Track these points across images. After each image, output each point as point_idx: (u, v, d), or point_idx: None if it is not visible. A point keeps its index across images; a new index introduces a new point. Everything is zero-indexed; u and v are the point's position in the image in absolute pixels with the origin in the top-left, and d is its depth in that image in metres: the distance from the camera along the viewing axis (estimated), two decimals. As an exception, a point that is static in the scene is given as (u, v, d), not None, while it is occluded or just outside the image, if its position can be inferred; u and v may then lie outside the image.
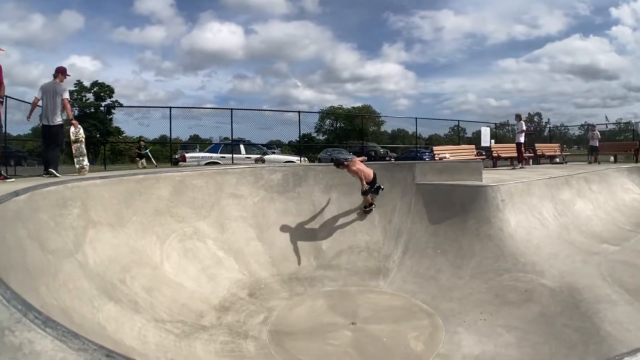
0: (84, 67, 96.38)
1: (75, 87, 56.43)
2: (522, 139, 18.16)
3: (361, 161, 10.38)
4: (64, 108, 9.83)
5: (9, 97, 9.15)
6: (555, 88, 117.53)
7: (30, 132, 21.31)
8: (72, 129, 10.03)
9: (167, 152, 23.08)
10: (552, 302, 6.53)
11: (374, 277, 8.78)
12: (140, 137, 15.59)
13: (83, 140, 10.27)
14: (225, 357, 5.90)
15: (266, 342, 6.43)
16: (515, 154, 21.13)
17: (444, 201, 9.74)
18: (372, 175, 10.02)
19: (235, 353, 6.09)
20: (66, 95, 9.88)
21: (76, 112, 11.10)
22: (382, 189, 10.20)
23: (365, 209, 10.37)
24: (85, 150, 10.17)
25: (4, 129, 9.35)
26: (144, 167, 15.07)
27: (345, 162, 10.18)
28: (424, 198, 10.18)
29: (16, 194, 5.67)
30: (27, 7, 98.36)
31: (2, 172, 8.98)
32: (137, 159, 16.69)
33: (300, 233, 9.97)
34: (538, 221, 9.17)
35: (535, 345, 5.72)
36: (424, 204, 10.09)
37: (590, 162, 19.76)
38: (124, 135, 34.31)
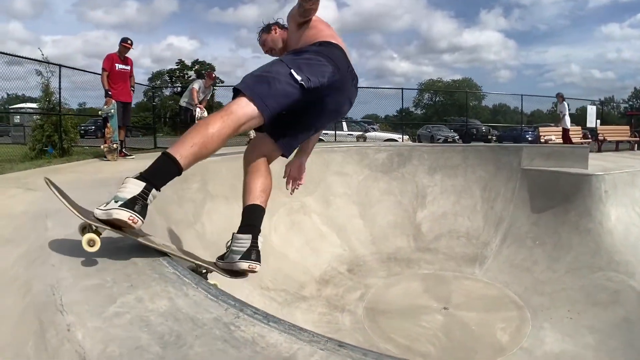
0: (182, 46, 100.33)
1: (178, 65, 59.00)
2: (568, 124, 16.86)
3: None
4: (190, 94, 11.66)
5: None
6: None
7: (134, 107, 22.95)
8: (197, 110, 11.14)
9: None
10: (637, 307, 6.45)
11: (471, 263, 8.93)
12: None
13: None
14: (322, 327, 6.40)
15: (361, 317, 6.89)
16: (624, 138, 19.85)
17: (548, 189, 9.44)
18: None
19: (331, 325, 6.60)
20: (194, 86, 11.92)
21: (179, 89, 12.29)
22: None
23: None
24: None
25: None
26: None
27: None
28: (529, 185, 9.90)
29: None
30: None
31: (124, 149, 9.99)
32: None
33: (401, 214, 10.18)
34: (638, 217, 8.72)
35: (613, 351, 5.77)
36: (528, 191, 9.84)
37: None
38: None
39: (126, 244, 2.85)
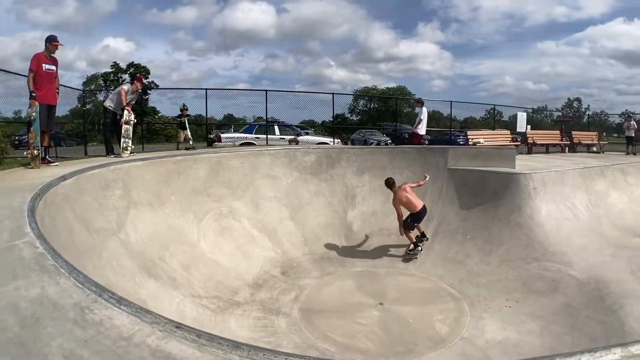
0: (118, 48, 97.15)
1: (112, 68, 57.32)
2: (422, 131, 15.96)
3: (416, 186, 9.50)
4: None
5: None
6: (596, 73, 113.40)
7: (68, 113, 21.76)
8: (125, 112, 10.80)
9: (201, 132, 23.36)
10: (579, 294, 6.59)
11: (403, 259, 8.96)
12: (184, 104, 15.26)
13: (132, 123, 11.05)
14: (258, 332, 6.18)
15: (297, 318, 6.69)
16: (554, 141, 20.76)
17: (476, 187, 9.77)
18: (419, 207, 9.04)
19: (267, 328, 6.37)
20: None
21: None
22: (426, 239, 9.21)
23: (410, 252, 9.05)
24: (131, 133, 10.94)
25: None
26: (187, 142, 14.70)
27: (395, 187, 9.32)
28: (456, 183, 10.24)
29: (64, 178, 6.01)
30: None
31: (47, 156, 9.42)
32: (179, 130, 14.99)
33: (332, 214, 10.18)
34: (570, 211, 9.09)
35: (558, 336, 5.82)
36: (455, 190, 10.16)
37: (627, 153, 19.27)
38: (159, 115, 34.51)
39: (18, 243, 3.05)
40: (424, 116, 15.52)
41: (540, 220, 8.58)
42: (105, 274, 4.90)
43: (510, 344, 5.85)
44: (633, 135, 19.89)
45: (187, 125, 14.29)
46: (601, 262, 7.43)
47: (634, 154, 18.94)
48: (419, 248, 8.92)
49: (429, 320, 6.56)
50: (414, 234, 9.11)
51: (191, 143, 13.91)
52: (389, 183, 9.34)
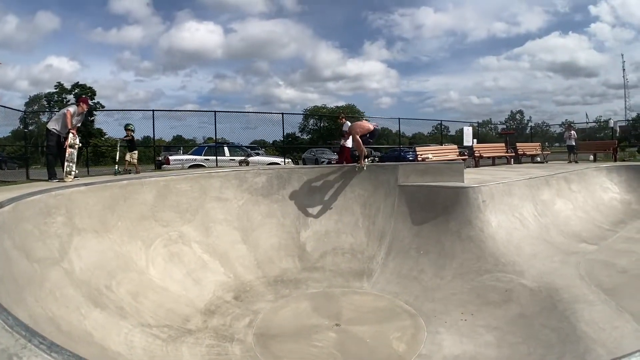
0: (62, 67, 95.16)
1: (56, 88, 55.82)
2: (349, 144, 16.15)
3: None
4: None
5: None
6: (536, 85, 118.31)
7: (9, 134, 20.99)
8: (70, 135, 10.50)
9: (149, 154, 22.92)
10: (531, 302, 6.65)
11: (358, 278, 8.87)
12: (129, 123, 14.76)
13: (76, 146, 10.74)
14: (212, 360, 5.99)
15: (252, 344, 6.49)
16: (499, 154, 21.32)
17: (427, 202, 9.83)
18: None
19: (221, 356, 6.16)
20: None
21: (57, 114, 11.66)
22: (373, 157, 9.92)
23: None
24: (76, 157, 10.63)
25: None
26: (132, 166, 14.14)
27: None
28: (407, 199, 10.27)
29: (0, 205, 5.71)
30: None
31: None
32: (128, 153, 14.10)
33: (284, 235, 10.04)
34: (519, 221, 9.27)
35: (514, 346, 5.82)
36: (407, 205, 10.18)
37: (570, 162, 19.94)
38: (105, 137, 33.41)
39: None
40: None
41: (490, 232, 8.69)
42: (47, 306, 4.65)
43: (468, 357, 5.82)
44: (574, 144, 20.78)
45: (135, 147, 14.00)
46: (551, 269, 7.58)
47: (576, 162, 19.72)
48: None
49: (385, 338, 6.47)
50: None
51: (136, 168, 13.56)
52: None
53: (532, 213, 9.85)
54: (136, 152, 13.98)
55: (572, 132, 21.09)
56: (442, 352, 6.03)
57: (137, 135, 15.65)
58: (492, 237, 8.56)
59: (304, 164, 27.34)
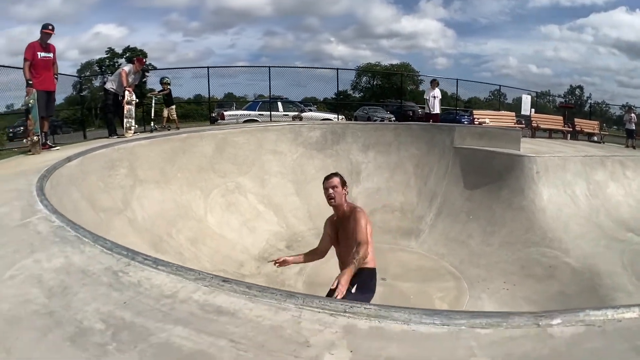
0: (110, 34, 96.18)
1: (107, 54, 56.71)
2: (437, 108, 16.50)
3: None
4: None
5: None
6: (599, 62, 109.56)
7: (63, 101, 21.59)
8: (126, 93, 10.81)
9: (202, 111, 23.17)
10: (573, 282, 6.67)
11: (406, 237, 9.04)
12: (165, 77, 14.12)
13: (134, 103, 11.09)
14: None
15: (301, 291, 6.80)
16: (557, 127, 20.67)
17: (481, 167, 9.71)
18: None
19: (272, 302, 6.48)
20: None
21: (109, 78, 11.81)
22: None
23: None
24: (134, 113, 10.98)
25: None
26: (172, 122, 13.51)
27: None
28: (462, 162, 10.17)
29: (68, 159, 6.13)
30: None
31: (47, 141, 9.49)
32: (166, 108, 13.68)
33: (336, 189, 10.10)
34: (570, 198, 8.99)
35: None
36: (460, 168, 10.10)
37: (627, 146, 18.93)
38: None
39: (32, 220, 2.98)
40: (438, 94, 15.92)
41: (542, 204, 8.51)
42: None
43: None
44: (633, 128, 19.52)
45: (173, 101, 13.89)
46: (596, 252, 7.45)
47: (634, 147, 18.62)
48: None
49: (429, 297, 6.70)
50: None
51: (176, 124, 13.44)
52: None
53: (584, 192, 9.42)
54: (174, 106, 13.75)
55: (633, 115, 19.84)
56: (482, 317, 6.17)
57: (188, 94, 15.39)
58: (542, 210, 8.41)
59: (356, 121, 27.12)
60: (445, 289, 7.00)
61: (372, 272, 4.51)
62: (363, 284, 4.23)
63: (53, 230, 2.62)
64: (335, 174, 4.65)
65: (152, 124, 13.11)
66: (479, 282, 7.19)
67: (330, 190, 4.56)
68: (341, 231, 4.82)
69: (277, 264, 4.61)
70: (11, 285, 1.89)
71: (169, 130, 11.94)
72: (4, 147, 11.59)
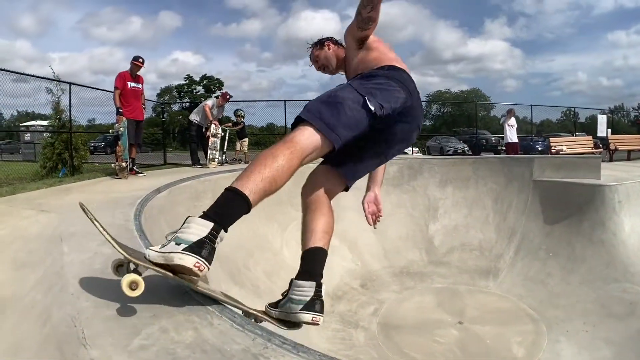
0: (187, 61, 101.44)
1: (185, 80, 59.51)
2: (513, 137, 16.43)
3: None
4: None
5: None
6: None
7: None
8: (212, 126, 11.28)
9: (274, 140, 23.60)
10: None
11: (484, 276, 8.87)
12: (239, 109, 14.79)
13: (219, 136, 11.47)
14: (337, 344, 6.41)
15: (375, 333, 6.87)
16: (637, 147, 19.61)
17: (560, 200, 9.34)
18: None
19: (345, 341, 6.57)
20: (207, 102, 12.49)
21: (187, 104, 12.35)
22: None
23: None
24: (219, 146, 11.36)
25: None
26: (241, 154, 13.93)
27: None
28: (541, 196, 9.82)
29: (158, 191, 6.49)
30: (124, 9, 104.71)
31: (135, 167, 10.00)
32: (238, 140, 13.99)
33: (413, 227, 10.14)
34: None
35: (630, 363, 5.65)
36: (540, 202, 9.75)
37: None
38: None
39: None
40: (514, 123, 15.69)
41: (623, 237, 8.13)
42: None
43: (583, 369, 5.78)
44: None
45: (246, 134, 14.02)
46: None
47: None
48: None
49: (506, 341, 6.58)
50: None
51: (246, 157, 13.57)
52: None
53: None
54: (246, 139, 13.89)
55: None
56: (559, 361, 6.01)
57: (261, 123, 15.54)
58: (623, 243, 8.05)
59: (428, 152, 26.71)
60: (523, 332, 6.86)
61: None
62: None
63: (170, 289, 2.46)
64: (311, 46, 3.54)
65: (223, 156, 13.18)
66: (557, 324, 6.99)
67: (316, 66, 3.57)
68: None
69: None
70: (145, 359, 1.71)
71: (239, 162, 12.17)
72: (86, 161, 12.27)
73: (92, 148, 18.01)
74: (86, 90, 13.60)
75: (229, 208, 2.20)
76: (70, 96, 11.82)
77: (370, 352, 6.33)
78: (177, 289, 2.47)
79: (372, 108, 2.45)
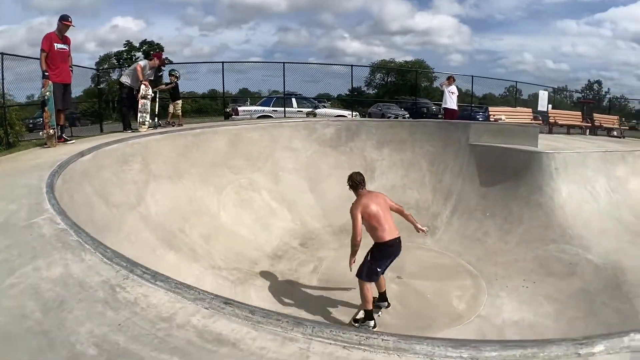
0: (127, 27, 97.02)
1: (125, 47, 57.49)
2: (451, 104, 15.81)
3: (399, 210, 6.62)
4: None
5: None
6: (618, 56, 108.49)
7: (82, 93, 21.77)
8: (142, 87, 10.67)
9: (216, 106, 23.19)
10: (595, 279, 6.51)
11: (422, 234, 8.85)
12: (172, 69, 13.16)
13: (149, 97, 10.90)
14: (277, 303, 6.26)
15: (315, 289, 6.75)
16: (575, 123, 20.28)
17: (497, 164, 9.54)
18: (391, 236, 5.99)
19: (287, 297, 6.46)
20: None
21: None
22: (387, 304, 6.20)
23: (355, 323, 5.88)
24: (149, 108, 10.81)
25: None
26: (176, 117, 13.01)
27: (362, 187, 6.30)
28: (477, 160, 10.03)
29: (82, 154, 6.12)
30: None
31: (63, 134, 9.45)
32: (171, 103, 12.60)
33: (351, 187, 10.05)
34: (590, 195, 8.73)
35: (572, 321, 5.78)
36: (476, 166, 9.96)
37: None
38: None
39: (37, 220, 2.92)
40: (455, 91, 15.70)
41: (560, 201, 8.32)
42: (124, 248, 4.92)
43: (526, 324, 5.87)
44: None
45: (180, 96, 12.64)
46: (619, 248, 7.22)
47: None
48: (372, 322, 5.71)
49: (446, 296, 6.61)
50: (373, 288, 5.95)
51: (179, 120, 12.17)
52: (355, 180, 6.23)
53: (604, 188, 9.09)
54: (180, 101, 12.56)
55: None
56: (502, 316, 6.09)
57: (203, 89, 14.84)
58: (561, 207, 8.23)
59: (370, 118, 26.93)
60: (463, 287, 6.90)
61: (378, 245, 6.07)
62: (371, 253, 6.04)
63: (56, 234, 2.57)
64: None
65: (155, 119, 12.15)
66: (497, 280, 7.06)
67: None
68: None
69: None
70: (10, 295, 1.84)
71: (172, 126, 11.54)
72: (23, 138, 11.56)
73: (31, 125, 17.08)
74: (24, 65, 12.61)
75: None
76: (2, 68, 11.02)
77: (310, 308, 6.24)
78: (62, 232, 2.63)
79: (378, 269, 6.04)
